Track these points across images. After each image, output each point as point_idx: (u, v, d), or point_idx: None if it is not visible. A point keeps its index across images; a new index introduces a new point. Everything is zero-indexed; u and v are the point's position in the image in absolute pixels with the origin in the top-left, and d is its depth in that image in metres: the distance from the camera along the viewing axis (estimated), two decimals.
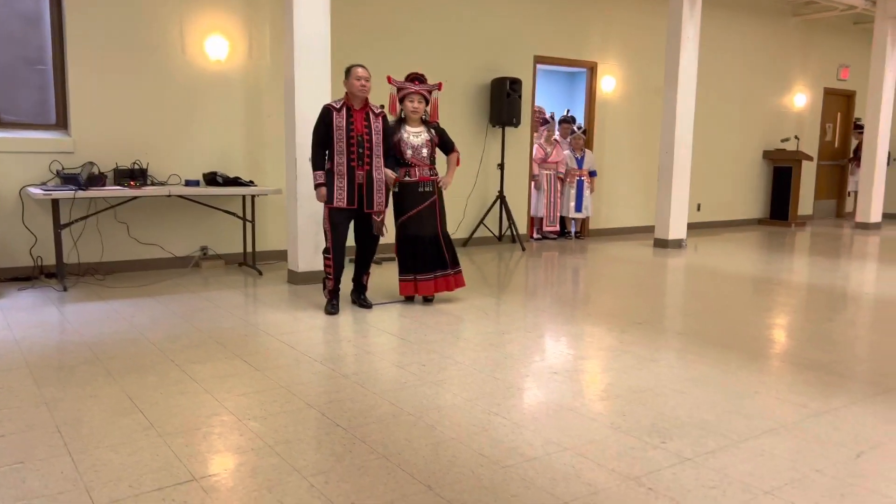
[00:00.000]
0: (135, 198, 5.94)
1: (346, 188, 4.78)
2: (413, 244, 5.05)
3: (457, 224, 8.23)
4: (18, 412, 3.01)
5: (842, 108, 12.72)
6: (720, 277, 6.77)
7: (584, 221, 9.47)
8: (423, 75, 5.07)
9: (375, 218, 4.89)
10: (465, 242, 8.28)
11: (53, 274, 5.76)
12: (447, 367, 3.73)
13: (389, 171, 4.95)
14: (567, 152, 9.11)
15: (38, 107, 6.01)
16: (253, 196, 6.46)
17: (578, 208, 9.18)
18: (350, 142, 4.75)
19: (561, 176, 9.04)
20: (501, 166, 8.35)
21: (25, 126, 5.88)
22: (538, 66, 8.86)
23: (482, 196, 8.43)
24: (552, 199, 9.03)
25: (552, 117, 9.34)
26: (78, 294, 5.35)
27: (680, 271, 7.18)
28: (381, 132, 4.86)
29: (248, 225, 6.53)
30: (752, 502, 2.32)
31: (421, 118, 5.05)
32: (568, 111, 9.83)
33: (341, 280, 4.98)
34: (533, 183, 8.96)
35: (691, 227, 9.63)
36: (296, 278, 5.89)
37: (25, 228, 5.76)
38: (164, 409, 3.06)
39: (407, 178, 5.02)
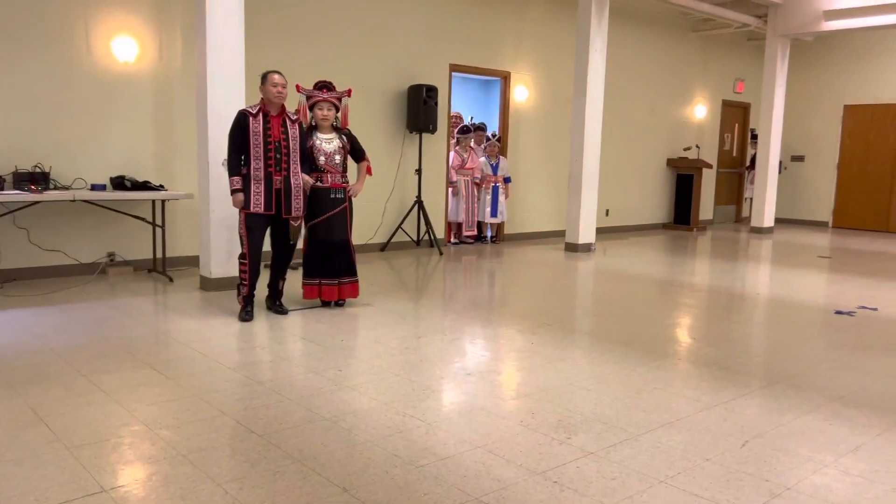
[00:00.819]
0: (36, 202, 5.70)
1: (262, 193, 4.77)
2: (321, 249, 5.11)
3: (375, 229, 8.27)
4: None
5: (738, 120, 13.51)
6: (627, 280, 7.10)
7: (500, 226, 9.69)
8: (331, 83, 5.11)
9: (293, 223, 4.92)
10: (384, 247, 8.33)
11: None
12: (364, 372, 3.79)
13: (307, 177, 4.97)
14: (482, 159, 9.30)
15: None
16: (163, 200, 6.31)
17: (494, 213, 9.37)
18: (268, 147, 4.75)
19: (477, 182, 9.23)
20: (419, 172, 8.45)
21: None
22: (454, 73, 9.02)
23: (400, 201, 8.50)
24: (469, 205, 9.21)
25: (472, 126, 9.47)
26: None
27: (589, 274, 7.47)
28: (297, 138, 4.88)
29: (158, 230, 6.36)
30: (647, 491, 2.50)
31: (332, 125, 5.10)
32: (472, 118, 10.02)
33: (256, 286, 4.96)
34: (451, 189, 9.11)
35: (600, 231, 10.01)
36: (208, 284, 5.79)
37: None
38: (71, 421, 2.99)
39: (319, 184, 5.05)
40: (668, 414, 3.25)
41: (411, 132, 8.43)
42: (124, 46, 6.31)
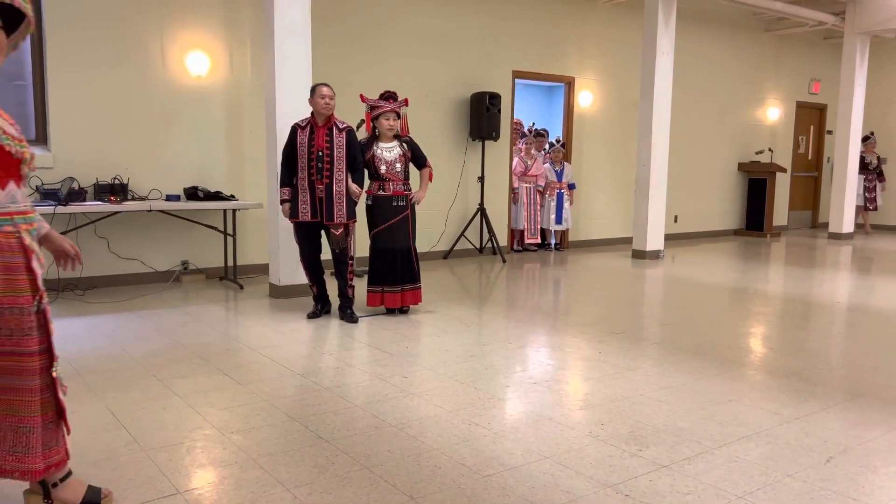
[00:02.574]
0: (115, 213, 5.94)
1: (308, 202, 4.98)
2: (383, 257, 5.16)
3: (438, 236, 8.29)
4: None
5: (814, 121, 12.99)
6: (697, 287, 6.89)
7: (564, 233, 9.58)
8: (394, 93, 5.18)
9: (334, 231, 5.01)
10: (447, 255, 8.34)
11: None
12: (429, 379, 3.78)
13: (354, 186, 5.03)
14: (546, 165, 9.22)
15: (17, 122, 5.97)
16: (234, 210, 6.48)
17: (559, 220, 9.28)
18: (311, 157, 4.94)
19: (540, 189, 9.15)
20: (482, 179, 8.44)
21: None
22: (517, 80, 8.98)
23: (463, 209, 8.51)
24: (532, 212, 9.13)
25: (530, 131, 9.44)
26: (58, 309, 5.33)
27: (657, 282, 7.29)
28: (344, 146, 4.97)
29: (229, 239, 6.54)
30: None
31: (394, 134, 5.17)
32: (533, 124, 9.90)
33: (325, 287, 5.29)
34: (513, 196, 9.06)
35: (668, 238, 9.77)
36: (277, 292, 5.90)
37: None
38: (147, 424, 3.08)
39: (381, 193, 5.12)
40: (745, 427, 3.12)
41: (474, 140, 8.43)
42: (197, 61, 6.53)
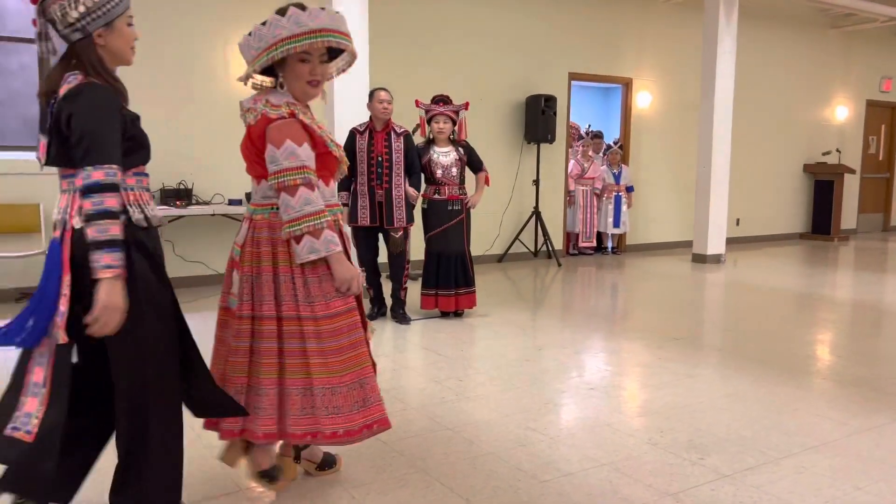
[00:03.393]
0: (180, 217, 6.13)
1: (368, 207, 5.02)
2: (438, 260, 5.18)
3: (492, 240, 8.28)
4: None
5: (885, 121, 12.47)
6: (760, 293, 6.69)
7: (622, 237, 9.44)
8: (447, 97, 5.19)
9: (394, 235, 5.05)
10: (501, 258, 8.32)
11: None
12: (484, 383, 3.77)
13: (412, 190, 5.08)
14: (604, 168, 9.11)
15: None
16: None
17: (616, 224, 9.14)
18: (371, 162, 4.98)
19: (597, 192, 9.03)
20: (536, 182, 8.39)
21: None
22: (573, 82, 8.90)
23: (517, 212, 8.47)
24: (588, 215, 9.02)
25: (587, 133, 9.35)
26: None
27: (719, 287, 7.11)
28: (402, 151, 5.02)
29: None
30: None
31: (449, 137, 5.16)
32: (589, 126, 9.79)
33: (382, 290, 5.36)
34: (568, 199, 8.98)
35: (730, 241, 9.53)
36: None
37: None
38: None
39: (436, 196, 5.15)
40: (812, 437, 3.02)
41: (529, 143, 8.39)
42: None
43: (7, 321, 1.88)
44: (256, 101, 2.50)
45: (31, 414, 1.88)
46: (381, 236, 5.22)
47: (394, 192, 5.01)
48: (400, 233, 5.09)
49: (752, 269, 8.11)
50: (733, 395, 3.59)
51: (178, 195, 6.11)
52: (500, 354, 4.34)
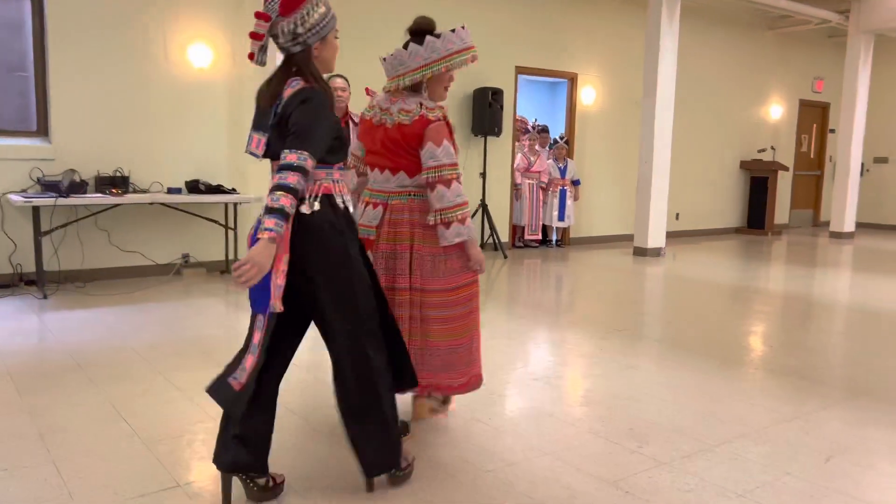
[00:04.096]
0: (116, 205, 5.93)
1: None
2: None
3: None
4: (1, 420, 3.01)
5: (817, 120, 12.97)
6: (698, 285, 6.89)
7: (566, 230, 9.57)
8: None
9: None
10: None
11: (33, 281, 5.72)
12: None
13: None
14: (550, 162, 9.21)
15: (18, 113, 5.98)
16: (235, 204, 6.48)
17: (561, 217, 9.26)
18: None
19: (543, 185, 9.12)
20: (483, 175, 8.43)
21: (6, 133, 5.85)
22: (520, 76, 8.96)
23: None
24: (534, 208, 9.11)
25: (534, 127, 9.44)
26: (58, 302, 5.33)
27: (659, 279, 7.28)
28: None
29: (231, 233, 6.54)
30: None
31: None
32: (535, 120, 9.90)
33: None
34: (515, 192, 9.04)
35: (670, 235, 9.76)
36: None
37: (5, 235, 5.73)
38: (149, 417, 3.08)
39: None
40: (745, 425, 3.12)
41: (476, 136, 8.41)
42: (200, 53, 6.51)
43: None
44: (404, 102, 2.86)
45: (246, 368, 2.28)
46: None
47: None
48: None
49: (691, 263, 8.34)
50: (671, 384, 3.69)
51: (114, 182, 5.91)
52: None
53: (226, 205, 6.52)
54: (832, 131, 12.84)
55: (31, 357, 3.97)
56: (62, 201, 5.40)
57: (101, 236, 6.15)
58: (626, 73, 9.79)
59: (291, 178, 2.09)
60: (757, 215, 11.56)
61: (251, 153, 2.32)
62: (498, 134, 8.38)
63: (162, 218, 6.41)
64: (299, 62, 2.31)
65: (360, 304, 2.32)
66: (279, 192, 2.08)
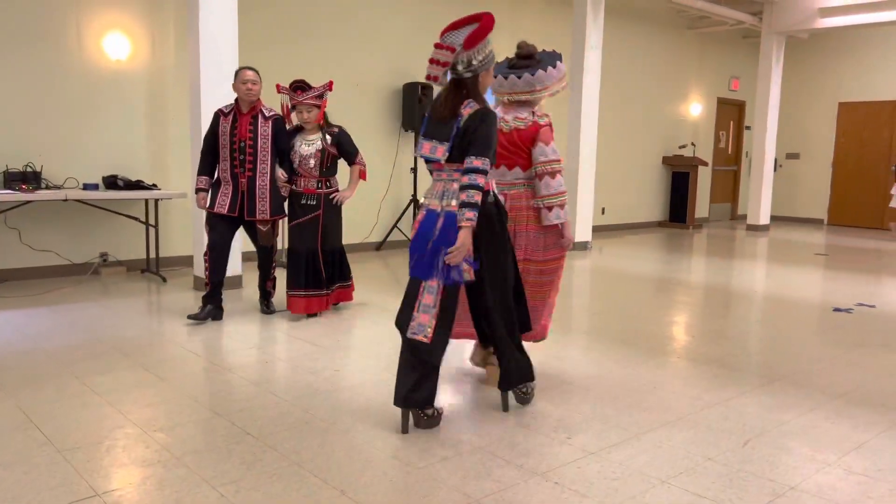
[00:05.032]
0: (27, 202, 5.63)
1: (229, 195, 4.68)
2: (291, 257, 4.80)
3: (370, 228, 8.22)
4: None
5: (734, 117, 13.50)
6: (623, 278, 7.07)
7: None
8: (305, 82, 4.68)
9: (261, 227, 4.76)
10: (379, 246, 8.29)
11: None
12: (361, 371, 3.74)
13: (281, 172, 4.77)
14: None
15: None
16: (156, 200, 6.25)
17: None
18: (233, 147, 4.65)
19: None
20: (414, 170, 8.41)
21: None
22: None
23: (395, 199, 8.46)
24: None
25: None
26: None
27: (586, 273, 7.44)
28: (269, 136, 4.69)
29: (152, 230, 6.30)
30: (649, 492, 2.46)
31: (319, 125, 4.77)
32: None
33: (221, 290, 4.80)
34: None
35: (596, 229, 9.99)
36: (202, 285, 5.71)
37: None
38: (63, 423, 2.93)
39: (294, 188, 4.79)
40: (669, 413, 3.22)
41: (406, 130, 8.38)
42: (116, 44, 6.24)
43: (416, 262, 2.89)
44: (517, 112, 3.54)
45: (424, 325, 2.88)
46: (243, 227, 4.89)
47: (258, 182, 4.68)
48: (268, 226, 4.81)
49: (616, 256, 8.55)
50: (598, 375, 3.77)
51: (25, 178, 5.60)
52: (377, 342, 4.32)
53: (146, 201, 6.28)
54: (748, 128, 13.41)
55: None
56: None
57: (12, 235, 5.83)
58: None
59: (480, 179, 2.79)
60: (678, 209, 11.95)
61: (426, 157, 2.96)
62: None
63: (77, 215, 6.13)
64: (469, 86, 2.93)
65: (509, 270, 3.08)
66: (473, 190, 2.78)
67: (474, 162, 2.79)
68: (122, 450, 2.70)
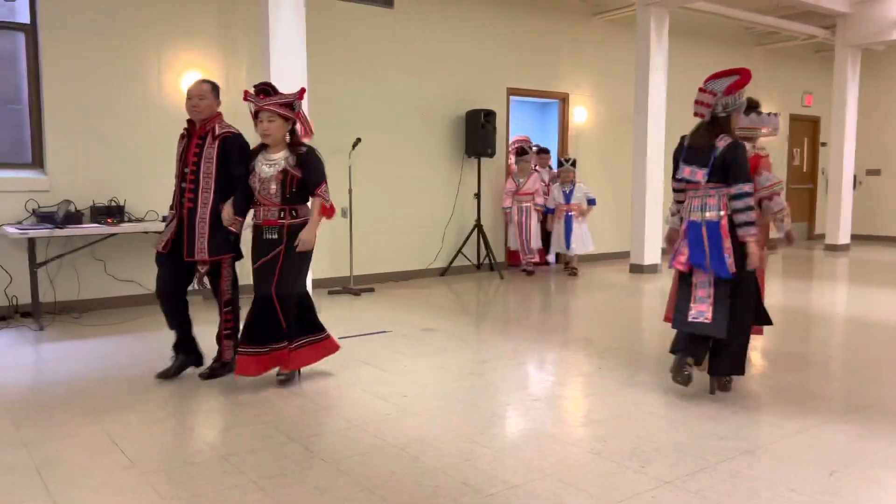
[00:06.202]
0: (112, 235, 5.93)
1: (171, 230, 3.99)
2: (252, 305, 3.93)
3: (435, 253, 8.29)
4: None
5: (808, 133, 13.06)
6: None
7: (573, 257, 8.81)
8: (270, 85, 3.96)
9: (199, 269, 3.96)
10: (444, 272, 8.34)
11: (29, 313, 5.69)
12: (429, 398, 3.76)
13: (227, 207, 3.92)
14: (555, 186, 8.60)
15: (13, 146, 6.00)
16: None
17: (567, 245, 8.47)
18: (183, 173, 3.98)
19: (539, 208, 8.46)
20: (478, 196, 8.45)
21: (1, 165, 5.86)
22: (511, 97, 9.02)
23: (460, 225, 8.51)
24: (525, 232, 8.43)
25: (528, 148, 9.20)
26: (54, 333, 5.30)
27: (656, 296, 7.28)
28: (214, 159, 3.91)
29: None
30: None
31: (285, 141, 3.91)
32: (529, 140, 9.59)
33: (189, 332, 4.18)
34: (507, 216, 8.61)
35: (666, 252, 9.76)
36: None
37: (0, 268, 5.71)
38: (145, 447, 3.05)
39: (255, 221, 3.94)
40: (747, 441, 3.11)
41: (470, 157, 8.45)
42: (193, 82, 6.52)
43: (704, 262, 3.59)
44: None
45: (702, 311, 3.61)
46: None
47: (198, 214, 3.90)
48: (206, 267, 3.97)
49: None
50: (671, 402, 3.67)
51: (110, 212, 5.90)
52: (443, 368, 4.34)
53: None
54: (824, 145, 12.93)
55: (27, 389, 3.94)
56: (58, 232, 5.40)
57: (97, 266, 6.14)
58: (618, 91, 9.86)
59: (750, 200, 3.54)
60: None
61: (686, 178, 3.71)
62: (491, 155, 8.41)
63: None
64: (723, 124, 3.67)
65: (752, 274, 3.70)
66: (749, 212, 3.52)
67: (744, 188, 3.52)
68: (200, 474, 2.78)
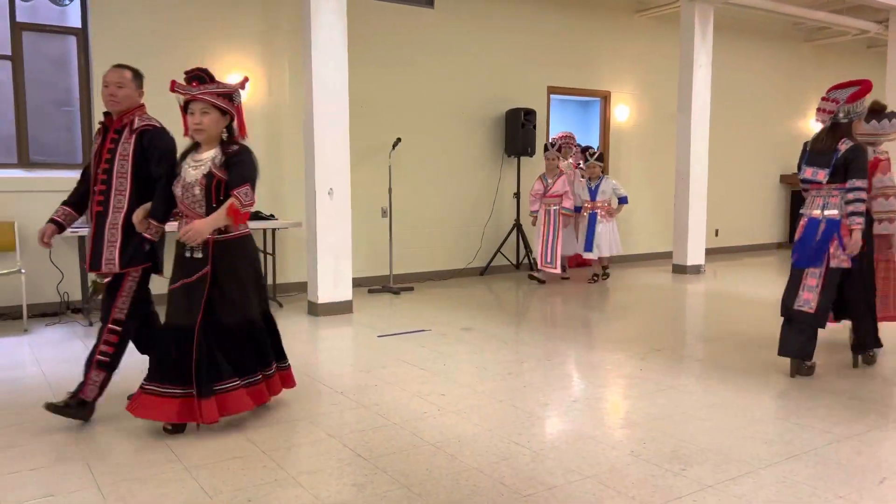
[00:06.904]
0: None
1: (89, 238, 3.41)
2: (161, 334, 3.35)
3: (474, 253, 8.28)
4: (48, 446, 3.08)
5: None
6: (740, 303, 6.74)
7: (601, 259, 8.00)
8: (205, 72, 3.40)
9: (98, 281, 3.33)
10: (483, 271, 8.33)
11: (79, 309, 5.87)
12: (467, 397, 3.76)
13: (140, 211, 3.29)
14: (583, 181, 7.97)
15: (65, 147, 6.19)
16: (273, 229, 6.58)
17: (588, 247, 7.71)
18: (96, 174, 3.38)
19: (567, 211, 7.57)
20: (517, 195, 8.42)
21: (53, 166, 6.06)
22: (552, 96, 8.96)
23: (498, 225, 8.49)
24: (549, 238, 7.56)
25: (572, 143, 8.65)
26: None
27: (699, 297, 7.16)
28: (130, 156, 3.34)
29: (269, 258, 6.63)
30: None
31: (220, 139, 3.34)
32: (563, 139, 8.87)
33: (123, 347, 3.44)
34: (532, 220, 7.81)
35: (710, 252, 9.60)
36: (315, 309, 5.95)
37: (53, 265, 5.89)
38: (190, 442, 3.12)
39: (178, 237, 3.25)
40: (793, 446, 3.03)
41: (509, 156, 8.42)
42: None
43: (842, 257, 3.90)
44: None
45: (808, 300, 3.98)
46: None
47: (108, 220, 3.31)
48: (106, 279, 3.41)
49: (732, 279, 8.18)
50: (714, 404, 3.60)
51: None
52: (482, 368, 4.33)
53: (264, 230, 6.62)
54: None
55: (76, 384, 4.05)
56: None
57: None
58: (660, 89, 9.71)
59: (862, 195, 3.83)
60: None
61: (809, 179, 4.04)
62: (531, 154, 8.37)
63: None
64: (844, 129, 3.95)
65: (866, 266, 4.17)
66: (859, 203, 3.83)
67: (856, 183, 3.84)
68: (241, 469, 2.83)
